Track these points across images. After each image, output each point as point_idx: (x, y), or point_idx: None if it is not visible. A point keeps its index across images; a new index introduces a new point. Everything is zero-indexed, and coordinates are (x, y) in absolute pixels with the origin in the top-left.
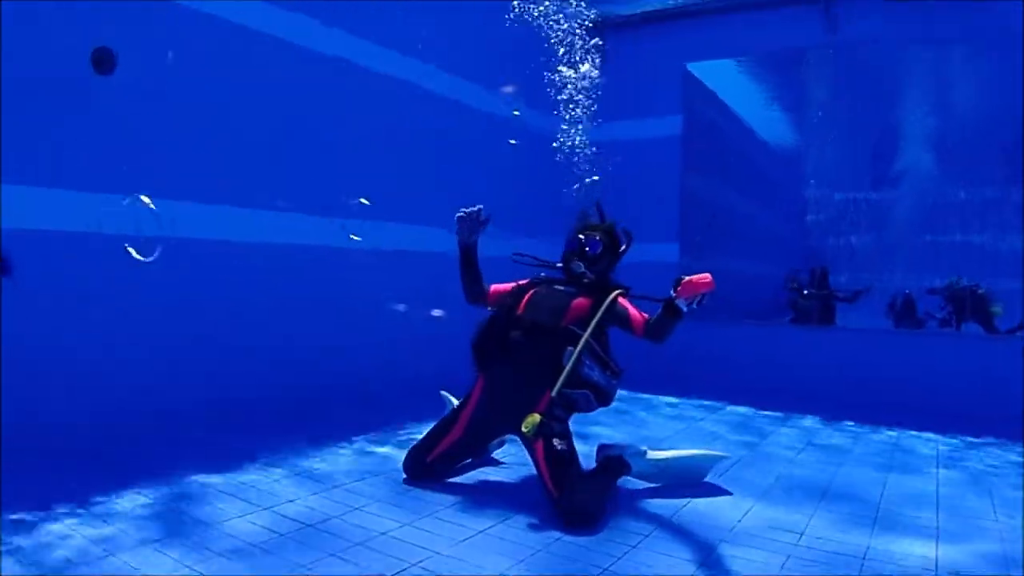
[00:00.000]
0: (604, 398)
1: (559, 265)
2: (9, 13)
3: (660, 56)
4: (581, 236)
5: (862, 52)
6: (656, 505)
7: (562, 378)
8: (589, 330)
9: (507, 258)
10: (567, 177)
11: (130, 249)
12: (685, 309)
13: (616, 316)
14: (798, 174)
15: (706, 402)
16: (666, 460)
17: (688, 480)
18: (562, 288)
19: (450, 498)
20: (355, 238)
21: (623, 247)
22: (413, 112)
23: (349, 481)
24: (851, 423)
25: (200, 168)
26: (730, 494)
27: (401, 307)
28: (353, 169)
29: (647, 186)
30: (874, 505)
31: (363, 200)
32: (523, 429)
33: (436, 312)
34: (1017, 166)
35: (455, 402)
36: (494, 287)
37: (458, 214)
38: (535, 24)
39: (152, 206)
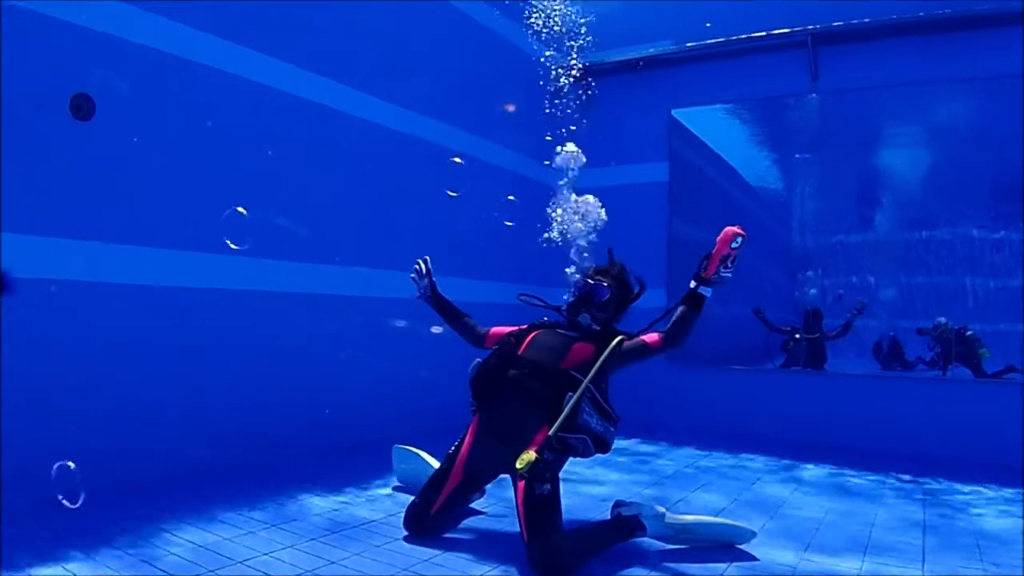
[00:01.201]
0: (602, 445)
1: (563, 309)
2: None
3: (646, 102)
4: (589, 280)
5: (846, 98)
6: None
7: (559, 421)
8: (590, 376)
9: (500, 304)
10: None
11: (228, 241)
12: (709, 294)
13: (629, 354)
14: (785, 218)
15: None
16: (684, 525)
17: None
18: (564, 332)
19: (428, 551)
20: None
21: (634, 294)
22: (400, 159)
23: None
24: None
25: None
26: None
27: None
28: (337, 215)
29: (634, 232)
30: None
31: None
32: (517, 466)
33: (435, 329)
34: (1004, 207)
35: (418, 453)
36: (494, 329)
37: (412, 275)
38: (523, 72)
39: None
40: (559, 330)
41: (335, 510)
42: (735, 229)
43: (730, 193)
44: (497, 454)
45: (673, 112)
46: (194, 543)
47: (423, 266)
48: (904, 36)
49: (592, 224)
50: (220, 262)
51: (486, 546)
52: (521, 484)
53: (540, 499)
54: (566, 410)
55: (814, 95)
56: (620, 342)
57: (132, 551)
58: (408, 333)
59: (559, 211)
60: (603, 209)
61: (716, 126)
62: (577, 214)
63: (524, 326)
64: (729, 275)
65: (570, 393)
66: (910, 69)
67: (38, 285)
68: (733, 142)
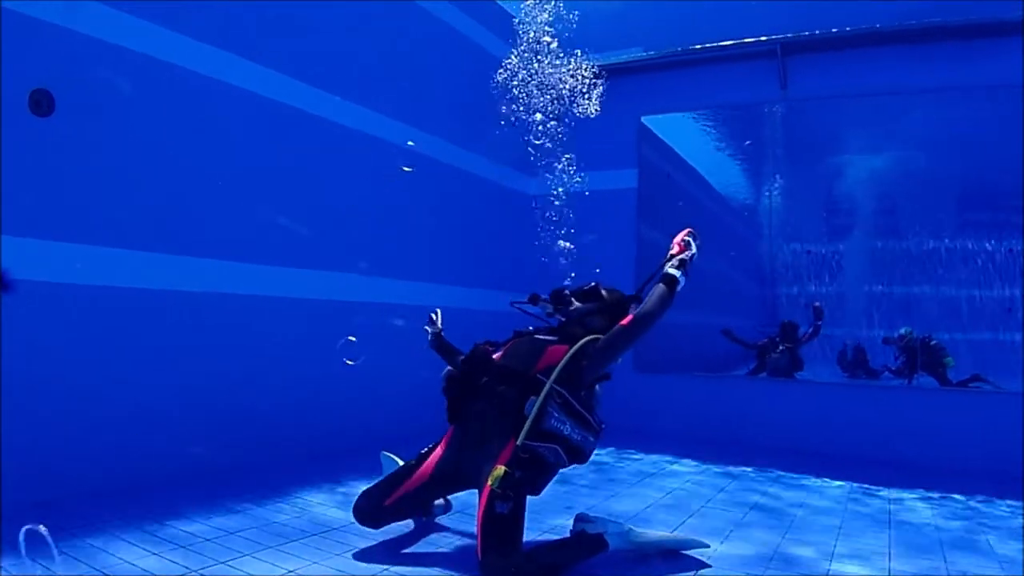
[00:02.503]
0: (576, 454)
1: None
2: None
3: (615, 109)
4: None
5: (815, 106)
6: None
7: (526, 427)
8: (552, 377)
9: (483, 312)
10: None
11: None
12: (680, 277)
13: (605, 350)
14: (753, 226)
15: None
16: (648, 542)
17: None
18: (543, 337)
19: (393, 569)
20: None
21: (623, 307)
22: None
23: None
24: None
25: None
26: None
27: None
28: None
29: (603, 238)
30: None
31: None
32: (488, 482)
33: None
34: (971, 215)
35: (399, 462)
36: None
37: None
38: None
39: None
40: (538, 335)
41: (319, 511)
42: (685, 231)
43: (698, 199)
44: (468, 463)
45: (643, 119)
46: (176, 544)
47: (434, 318)
48: (873, 46)
49: None
50: (214, 267)
51: (449, 561)
52: (484, 496)
53: (500, 517)
54: (530, 416)
55: (780, 104)
56: (591, 340)
57: (111, 552)
58: (403, 338)
59: None
60: None
61: (685, 133)
62: None
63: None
64: (683, 276)
65: (533, 398)
66: (879, 78)
67: (30, 287)
68: (702, 149)
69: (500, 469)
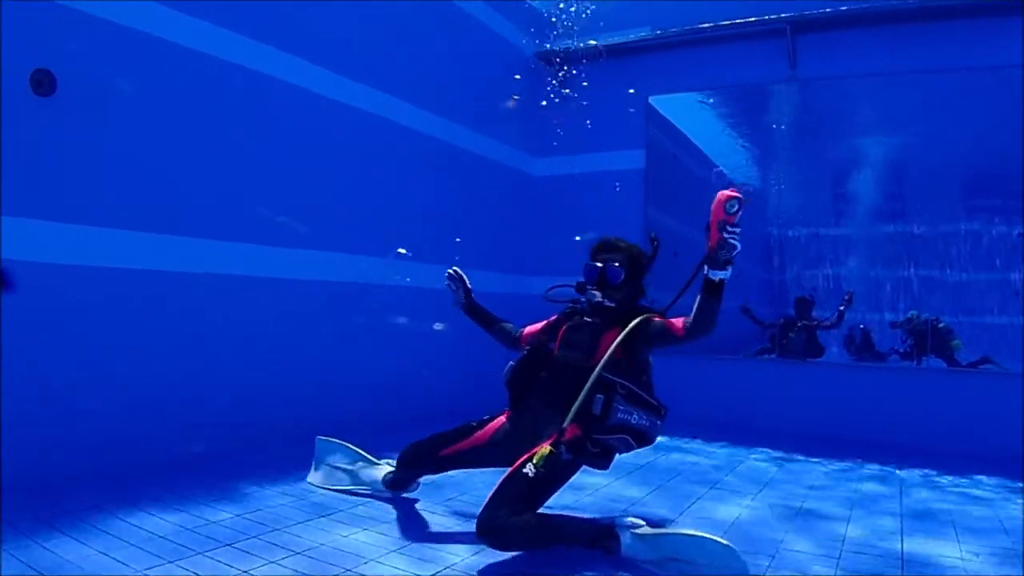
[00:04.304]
0: (643, 440)
1: (581, 299)
2: None
3: (623, 89)
4: (598, 264)
5: (825, 86)
6: None
7: (572, 412)
8: (601, 365)
9: (489, 293)
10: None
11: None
12: (716, 280)
13: (653, 337)
14: (761, 208)
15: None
16: (662, 537)
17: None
18: (590, 321)
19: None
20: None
21: (649, 257)
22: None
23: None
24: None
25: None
26: None
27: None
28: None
29: (611, 219)
30: None
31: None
32: (533, 462)
33: (437, 326)
34: (978, 200)
35: (342, 444)
36: (527, 329)
37: (446, 283)
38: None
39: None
40: (586, 318)
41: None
42: (729, 192)
43: (706, 181)
44: (525, 445)
45: (650, 99)
46: (152, 532)
47: (456, 273)
48: (883, 24)
49: None
50: (192, 246)
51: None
52: (519, 461)
53: (522, 476)
54: (574, 407)
55: (790, 84)
56: (644, 322)
57: (91, 540)
58: (402, 323)
59: None
60: None
61: (693, 113)
62: None
63: (554, 317)
64: (736, 242)
65: (599, 396)
66: (890, 58)
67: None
68: (710, 130)
69: (546, 448)
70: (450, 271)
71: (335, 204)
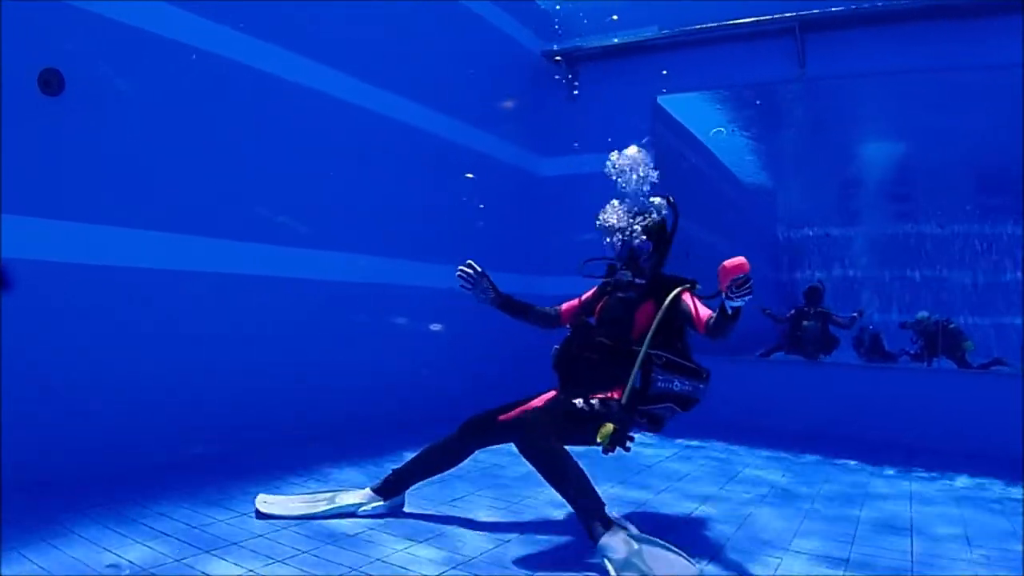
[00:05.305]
0: (688, 404)
1: (609, 278)
2: None
3: (631, 89)
4: (632, 244)
5: (833, 85)
6: None
7: (627, 390)
8: (646, 344)
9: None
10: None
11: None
12: (730, 310)
13: (681, 313)
14: (769, 207)
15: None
16: (641, 545)
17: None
18: (624, 296)
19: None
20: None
21: (670, 227)
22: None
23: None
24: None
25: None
26: None
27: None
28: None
29: None
30: None
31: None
32: (597, 440)
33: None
34: (988, 199)
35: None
36: (565, 306)
37: (461, 285)
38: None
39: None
40: (619, 294)
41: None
42: (735, 266)
43: (713, 180)
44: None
45: (658, 99)
46: (158, 531)
47: (473, 269)
48: (893, 23)
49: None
50: (193, 245)
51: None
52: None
53: (569, 404)
54: (628, 386)
55: (798, 84)
56: (678, 296)
57: (94, 539)
58: (405, 324)
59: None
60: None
61: (701, 113)
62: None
63: (590, 293)
64: (743, 301)
65: (637, 370)
66: (899, 57)
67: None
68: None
69: (609, 427)
70: (464, 268)
71: (339, 204)
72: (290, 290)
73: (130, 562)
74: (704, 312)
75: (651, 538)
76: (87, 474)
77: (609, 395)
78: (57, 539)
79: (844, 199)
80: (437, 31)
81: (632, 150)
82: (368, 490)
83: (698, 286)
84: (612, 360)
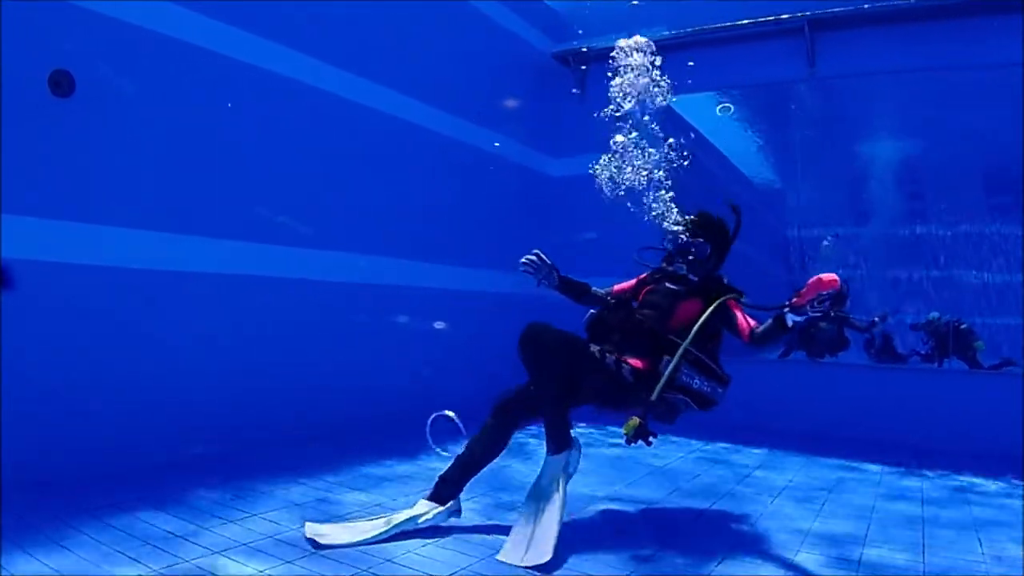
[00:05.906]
0: (705, 404)
1: (665, 266)
2: None
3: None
4: (694, 239)
5: (844, 85)
6: None
7: (660, 385)
8: (688, 339)
9: (495, 294)
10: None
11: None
12: (791, 324)
13: (726, 320)
14: (780, 208)
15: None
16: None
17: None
18: (672, 287)
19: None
20: None
21: (732, 237)
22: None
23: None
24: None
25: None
26: None
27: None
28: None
29: (628, 220)
30: None
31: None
32: (623, 431)
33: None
34: (1001, 200)
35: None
36: (617, 287)
37: (524, 269)
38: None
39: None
40: (668, 283)
41: (321, 500)
42: (830, 281)
43: (722, 181)
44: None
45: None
46: (164, 530)
47: (539, 259)
48: (903, 22)
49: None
50: (194, 245)
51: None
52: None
53: (588, 346)
54: (666, 373)
55: (808, 83)
56: (725, 303)
57: (100, 539)
58: (402, 323)
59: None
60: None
61: (711, 113)
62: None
63: (644, 276)
64: (817, 314)
65: (667, 357)
66: (909, 56)
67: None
68: (728, 129)
69: (635, 420)
70: (530, 257)
71: (348, 204)
72: (292, 291)
73: (145, 564)
74: (746, 323)
75: (561, 510)
76: (87, 474)
77: (631, 361)
78: (66, 540)
79: (856, 198)
80: (445, 31)
81: None
82: (421, 501)
83: (744, 297)
84: (645, 338)
